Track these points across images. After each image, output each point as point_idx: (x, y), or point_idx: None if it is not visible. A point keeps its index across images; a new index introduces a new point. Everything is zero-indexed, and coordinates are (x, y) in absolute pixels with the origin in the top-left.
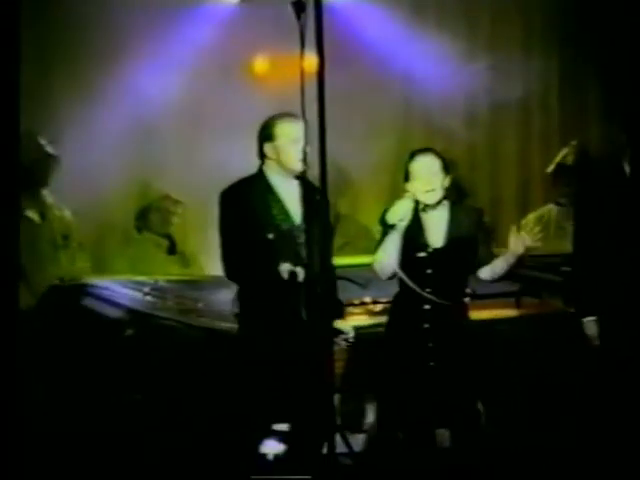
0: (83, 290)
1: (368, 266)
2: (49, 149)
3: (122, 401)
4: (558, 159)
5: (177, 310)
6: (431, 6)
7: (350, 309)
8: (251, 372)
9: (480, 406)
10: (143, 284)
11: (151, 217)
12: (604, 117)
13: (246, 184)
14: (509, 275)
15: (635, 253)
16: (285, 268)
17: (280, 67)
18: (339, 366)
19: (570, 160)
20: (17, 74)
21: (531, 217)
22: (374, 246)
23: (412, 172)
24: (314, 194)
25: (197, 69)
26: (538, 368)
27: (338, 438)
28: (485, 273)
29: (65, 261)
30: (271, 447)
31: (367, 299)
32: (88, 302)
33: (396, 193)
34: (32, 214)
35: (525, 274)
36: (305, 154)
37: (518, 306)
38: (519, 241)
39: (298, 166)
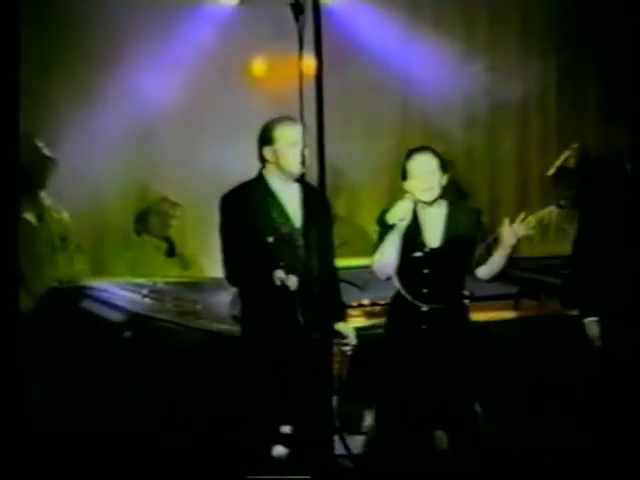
0: (81, 292)
1: (366, 268)
2: (47, 151)
3: (121, 403)
4: (559, 162)
5: (176, 312)
6: (429, 8)
7: (348, 311)
8: (250, 374)
9: (478, 408)
10: (141, 286)
11: (150, 220)
12: (603, 118)
13: (246, 188)
14: (508, 278)
15: (637, 254)
16: (277, 275)
17: (278, 69)
18: (338, 368)
19: (571, 163)
20: (17, 74)
21: (531, 219)
22: (370, 247)
23: (409, 171)
24: (314, 197)
25: (195, 71)
26: (536, 370)
27: (337, 440)
28: (483, 272)
29: (63, 263)
30: (271, 448)
31: (365, 301)
32: (86, 304)
33: (394, 195)
34: (30, 216)
35: (523, 276)
36: (304, 157)
37: (516, 308)
38: (511, 232)
39: (297, 169)
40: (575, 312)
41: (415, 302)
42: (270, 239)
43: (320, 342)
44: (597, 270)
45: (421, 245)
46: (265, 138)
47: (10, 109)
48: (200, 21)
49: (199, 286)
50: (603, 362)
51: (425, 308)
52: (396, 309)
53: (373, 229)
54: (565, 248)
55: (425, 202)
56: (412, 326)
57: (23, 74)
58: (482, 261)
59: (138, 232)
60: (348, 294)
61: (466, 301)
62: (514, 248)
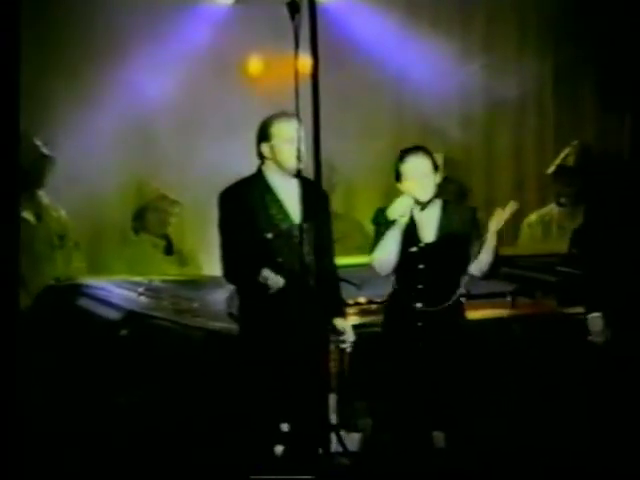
0: (78, 290)
1: (362, 266)
2: (45, 150)
3: (117, 401)
4: (559, 160)
5: (172, 310)
6: (426, 6)
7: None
8: (248, 372)
9: (473, 406)
10: (138, 284)
11: (148, 218)
12: (599, 116)
13: (245, 184)
14: (504, 275)
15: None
16: (263, 274)
17: (274, 67)
18: (335, 365)
19: (571, 161)
20: (17, 74)
21: (533, 217)
22: (367, 243)
23: (403, 173)
24: (313, 193)
25: (192, 69)
26: (532, 368)
27: (333, 437)
28: (474, 267)
29: (61, 261)
30: (272, 447)
31: (362, 299)
32: (83, 302)
33: (390, 193)
34: (28, 215)
35: (519, 274)
36: (299, 152)
37: (513, 306)
38: (494, 218)
39: (294, 165)
40: (571, 310)
41: (410, 299)
42: (269, 235)
43: (317, 339)
44: (601, 265)
45: (416, 240)
46: (262, 134)
47: (10, 109)
48: (196, 20)
49: (196, 284)
50: (600, 359)
51: (421, 306)
52: (393, 307)
53: (369, 225)
54: (566, 246)
55: (421, 201)
56: (408, 324)
57: (23, 74)
58: (475, 257)
59: (136, 230)
60: (345, 292)
61: (462, 299)
62: (500, 239)
